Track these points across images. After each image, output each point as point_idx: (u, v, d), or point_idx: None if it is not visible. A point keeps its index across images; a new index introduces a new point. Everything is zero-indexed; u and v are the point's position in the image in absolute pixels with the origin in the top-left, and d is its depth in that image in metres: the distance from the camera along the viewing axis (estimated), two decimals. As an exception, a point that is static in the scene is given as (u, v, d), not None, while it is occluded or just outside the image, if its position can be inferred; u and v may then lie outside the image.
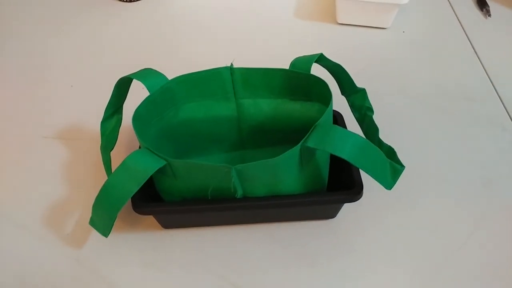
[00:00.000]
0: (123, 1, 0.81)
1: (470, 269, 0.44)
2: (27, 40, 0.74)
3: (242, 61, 0.56)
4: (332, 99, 0.42)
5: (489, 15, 0.75)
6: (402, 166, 0.39)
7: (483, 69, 0.66)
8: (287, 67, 0.46)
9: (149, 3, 0.81)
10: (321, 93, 0.45)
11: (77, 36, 0.74)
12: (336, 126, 0.38)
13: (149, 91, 0.44)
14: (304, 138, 0.38)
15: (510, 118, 0.59)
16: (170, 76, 0.46)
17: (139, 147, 0.44)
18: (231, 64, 0.46)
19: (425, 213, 0.49)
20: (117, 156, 0.51)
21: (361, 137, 0.37)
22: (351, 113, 0.49)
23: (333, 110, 0.49)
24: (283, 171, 0.40)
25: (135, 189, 0.38)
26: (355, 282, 0.43)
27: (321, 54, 0.44)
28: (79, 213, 0.50)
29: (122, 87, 0.46)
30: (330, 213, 0.48)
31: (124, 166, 0.38)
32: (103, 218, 0.40)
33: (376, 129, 0.46)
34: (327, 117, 0.40)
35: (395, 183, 0.38)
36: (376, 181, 0.37)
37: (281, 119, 0.49)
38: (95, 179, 0.53)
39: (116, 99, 0.47)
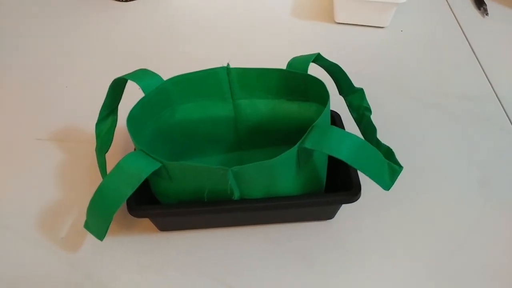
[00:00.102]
0: (119, 0, 0.81)
1: (469, 269, 0.44)
2: (21, 40, 0.73)
3: (239, 61, 0.56)
4: (330, 99, 0.42)
5: (487, 14, 0.75)
6: (400, 167, 0.39)
7: (481, 68, 0.66)
8: (284, 66, 0.46)
9: (146, 3, 0.80)
10: (319, 93, 0.44)
11: (71, 36, 0.74)
12: (334, 127, 0.37)
13: (144, 92, 0.44)
14: (301, 139, 0.38)
15: (508, 117, 0.59)
16: (166, 76, 0.46)
17: (135, 149, 0.44)
18: (228, 64, 0.46)
19: (424, 214, 0.48)
20: (113, 158, 0.50)
21: (359, 137, 0.37)
22: (349, 113, 0.48)
23: (331, 110, 0.49)
24: (280, 172, 0.40)
25: (130, 192, 0.37)
26: (353, 283, 0.43)
27: (318, 54, 0.44)
28: (73, 216, 0.49)
29: (116, 88, 0.46)
30: (328, 214, 0.48)
31: (118, 169, 0.38)
32: (98, 221, 0.40)
33: (374, 129, 0.46)
34: (325, 117, 0.40)
35: (393, 184, 0.38)
36: (374, 182, 0.37)
37: (278, 120, 0.49)
38: (90, 181, 0.52)
39: (111, 100, 0.47)
